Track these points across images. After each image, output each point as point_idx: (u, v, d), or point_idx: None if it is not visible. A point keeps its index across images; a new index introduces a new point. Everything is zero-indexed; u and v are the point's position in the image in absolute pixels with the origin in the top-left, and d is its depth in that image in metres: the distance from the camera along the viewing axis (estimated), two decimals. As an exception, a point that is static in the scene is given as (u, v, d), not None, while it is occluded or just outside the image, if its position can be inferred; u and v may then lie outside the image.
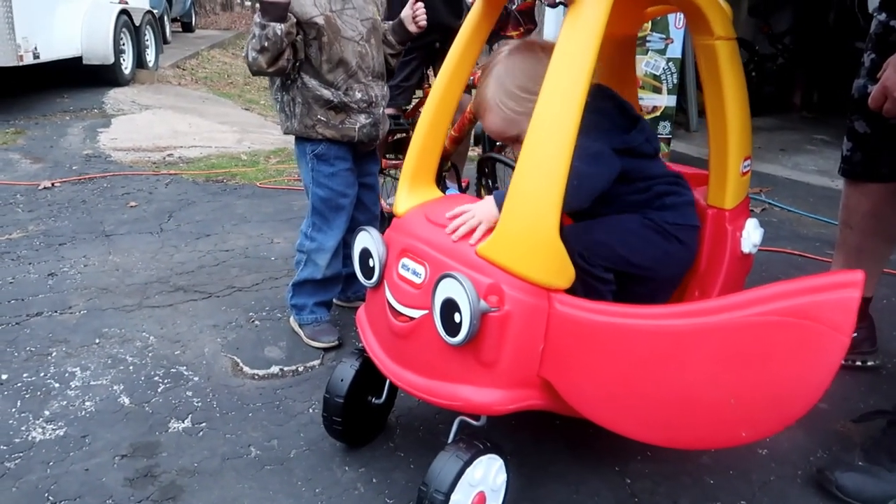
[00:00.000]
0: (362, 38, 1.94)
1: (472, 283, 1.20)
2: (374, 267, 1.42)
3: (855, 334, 1.92)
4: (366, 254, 1.44)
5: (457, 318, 1.20)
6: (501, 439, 1.58)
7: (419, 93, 2.96)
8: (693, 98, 4.81)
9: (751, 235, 1.56)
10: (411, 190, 1.51)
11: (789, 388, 1.26)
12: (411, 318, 1.32)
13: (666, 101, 3.90)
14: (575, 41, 1.20)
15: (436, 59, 2.84)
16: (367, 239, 1.43)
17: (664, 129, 3.95)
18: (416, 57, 2.78)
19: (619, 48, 1.74)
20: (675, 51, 3.83)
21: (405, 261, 1.36)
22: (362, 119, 1.96)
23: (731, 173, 1.54)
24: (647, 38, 3.79)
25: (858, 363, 1.95)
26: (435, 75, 2.85)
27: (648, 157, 1.51)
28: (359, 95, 1.94)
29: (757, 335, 1.21)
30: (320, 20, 1.85)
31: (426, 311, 1.28)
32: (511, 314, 1.21)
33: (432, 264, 1.31)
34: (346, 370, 1.52)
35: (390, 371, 1.38)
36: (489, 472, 1.30)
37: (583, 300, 1.27)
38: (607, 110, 1.47)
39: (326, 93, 1.91)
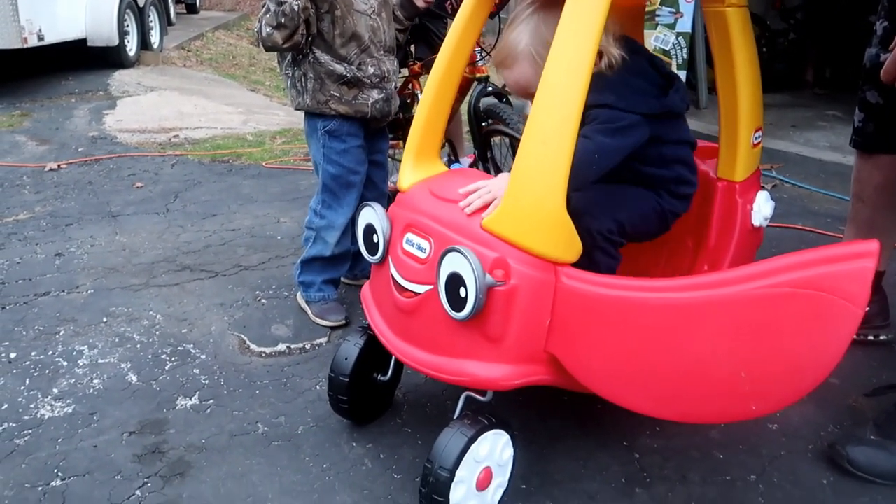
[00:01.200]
0: (374, 11, 1.91)
1: (478, 257, 1.18)
2: (378, 243, 1.40)
3: (867, 308, 1.91)
4: (370, 229, 1.42)
5: (462, 292, 1.19)
6: (509, 415, 1.58)
7: (405, 71, 2.91)
8: (703, 74, 4.74)
9: (762, 208, 1.54)
10: (415, 165, 1.49)
11: (801, 361, 1.25)
12: (416, 294, 1.31)
13: (675, 76, 3.85)
14: (581, 11, 1.17)
15: (420, 37, 2.80)
16: (371, 214, 1.42)
17: (673, 105, 3.89)
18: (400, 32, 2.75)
19: (626, 19, 1.71)
20: (684, 25, 3.77)
21: (409, 236, 1.34)
22: (375, 94, 1.94)
23: (742, 145, 1.51)
24: (657, 13, 3.73)
25: (871, 337, 1.93)
26: (416, 53, 2.82)
27: (679, 117, 1.48)
28: (371, 70, 1.92)
29: (769, 307, 1.19)
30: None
31: (431, 287, 1.27)
32: (517, 288, 1.19)
33: (437, 239, 1.29)
34: (350, 348, 1.51)
35: (395, 347, 1.37)
36: (495, 448, 1.29)
37: (590, 274, 1.25)
38: (644, 70, 1.41)
39: (339, 68, 1.88)
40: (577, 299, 1.23)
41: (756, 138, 1.54)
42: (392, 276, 1.37)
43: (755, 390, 1.25)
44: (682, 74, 3.87)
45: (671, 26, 3.75)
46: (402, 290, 1.34)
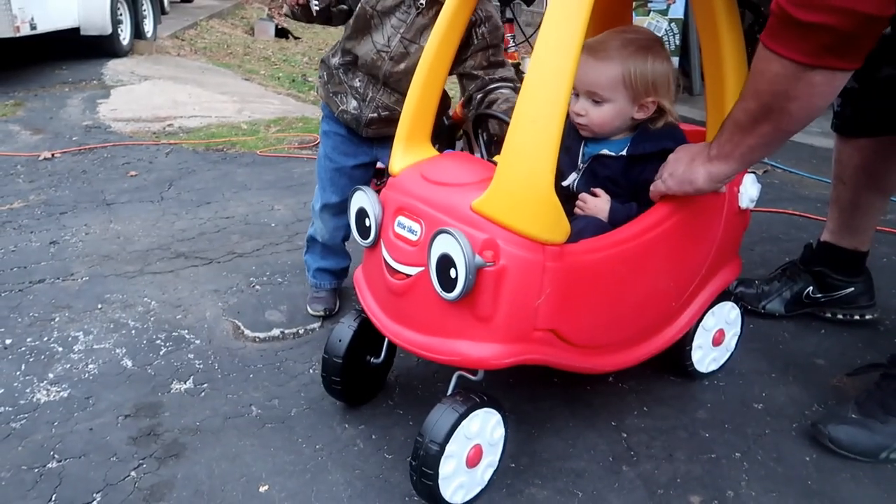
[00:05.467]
0: (388, 54, 1.75)
1: (468, 238, 1.20)
2: (370, 226, 1.42)
3: (852, 289, 1.94)
4: (362, 213, 1.44)
5: (452, 273, 1.21)
6: (499, 395, 1.60)
7: None
8: (696, 60, 4.74)
9: (748, 190, 1.55)
10: (406, 149, 1.50)
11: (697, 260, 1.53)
12: (408, 276, 1.33)
13: (668, 63, 3.86)
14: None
15: None
16: (362, 198, 1.43)
17: (666, 91, 3.90)
18: None
19: (615, 3, 1.72)
20: (677, 11, 3.77)
21: (401, 219, 1.36)
22: (352, 106, 1.85)
23: None
24: (650, -1, 3.74)
25: (856, 317, 1.96)
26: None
27: None
28: (357, 84, 1.84)
29: (693, 218, 1.45)
30: (350, 4, 1.79)
31: (422, 268, 1.29)
32: (506, 268, 1.21)
33: (428, 221, 1.31)
34: (344, 330, 1.53)
35: (388, 329, 1.39)
36: (486, 426, 1.32)
37: (574, 245, 1.29)
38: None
39: (334, 60, 1.88)
40: (567, 274, 1.26)
41: None
42: (384, 259, 1.39)
43: (676, 291, 1.52)
44: (675, 60, 3.87)
45: (664, 12, 3.75)
46: (394, 272, 1.36)
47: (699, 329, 1.63)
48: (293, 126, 4.39)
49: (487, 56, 1.73)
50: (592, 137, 1.52)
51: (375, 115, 1.83)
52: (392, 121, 1.94)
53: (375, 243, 1.42)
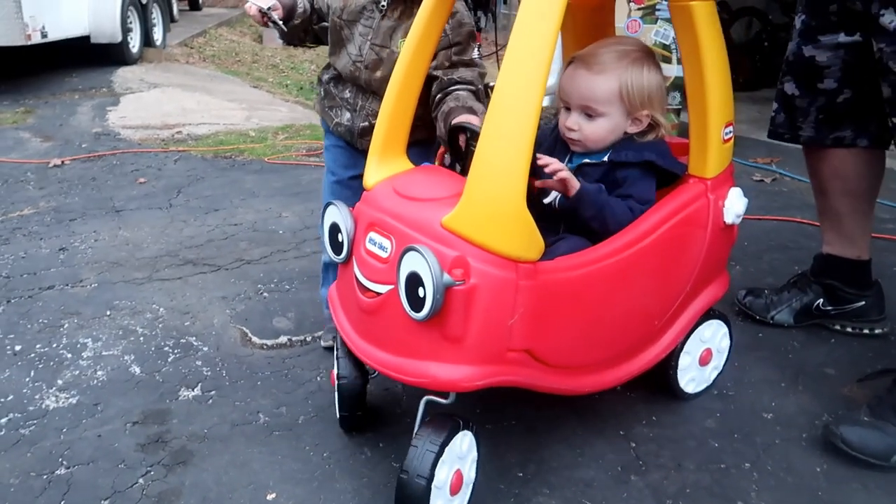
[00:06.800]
0: (364, 63, 1.74)
1: (437, 255, 1.15)
2: (343, 242, 1.37)
3: (863, 302, 1.92)
4: (335, 228, 1.39)
5: (421, 292, 1.16)
6: (505, 404, 1.60)
7: None
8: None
9: (734, 205, 1.50)
10: (381, 162, 1.45)
11: (680, 278, 1.49)
12: (378, 294, 1.28)
13: (676, 70, 3.84)
14: (540, 5, 1.15)
15: None
16: (335, 213, 1.39)
17: (673, 99, 3.89)
18: None
19: (597, 9, 1.68)
20: (684, 19, 3.77)
21: (372, 235, 1.31)
22: (346, 116, 1.84)
23: (713, 141, 1.45)
24: (657, 7, 3.73)
25: (866, 331, 1.94)
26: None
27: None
28: (347, 95, 1.84)
29: (671, 242, 1.43)
30: (327, 20, 1.81)
31: (392, 286, 1.24)
32: (477, 287, 1.17)
33: (398, 238, 1.26)
34: (352, 385, 1.50)
35: (359, 349, 1.34)
36: (461, 447, 1.29)
37: (548, 262, 1.25)
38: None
39: (325, 74, 1.90)
40: (541, 292, 1.23)
41: (727, 133, 1.49)
42: (355, 276, 1.34)
43: (658, 310, 1.48)
44: (682, 69, 3.86)
45: (671, 20, 3.75)
46: (365, 290, 1.31)
47: (685, 348, 1.59)
48: (301, 133, 4.41)
49: (450, 55, 1.67)
50: (582, 153, 1.49)
51: (367, 123, 1.81)
52: None
53: (348, 259, 1.38)
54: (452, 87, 1.64)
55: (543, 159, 1.33)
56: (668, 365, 1.58)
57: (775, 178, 3.38)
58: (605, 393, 1.68)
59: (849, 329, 1.95)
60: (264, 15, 1.74)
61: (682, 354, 1.59)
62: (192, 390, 1.73)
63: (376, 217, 1.32)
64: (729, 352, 1.71)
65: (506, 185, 1.16)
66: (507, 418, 1.61)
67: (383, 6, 1.70)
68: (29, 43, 5.31)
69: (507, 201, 1.16)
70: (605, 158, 1.47)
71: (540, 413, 1.63)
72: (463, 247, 1.18)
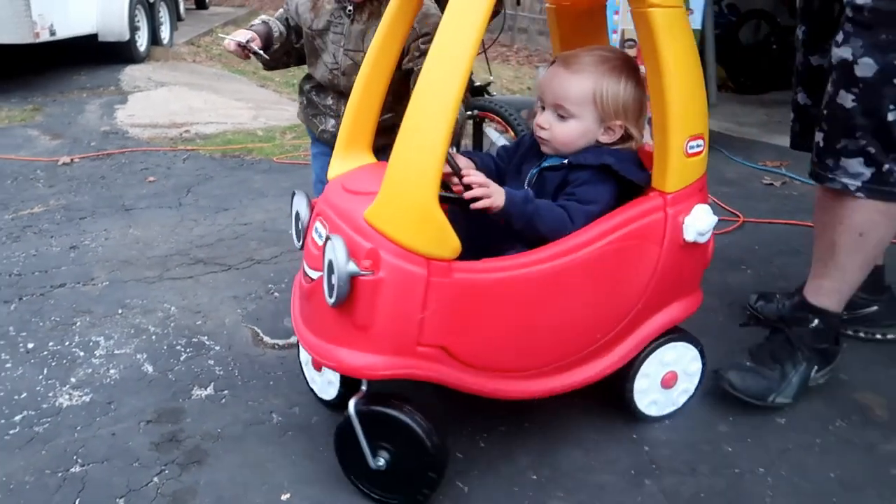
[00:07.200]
0: (338, 69, 1.80)
1: (353, 246, 1.22)
2: (301, 230, 1.47)
3: (875, 308, 1.92)
4: (297, 217, 1.49)
5: (333, 279, 1.22)
6: (518, 406, 1.60)
7: None
8: (713, 71, 4.73)
9: (696, 223, 1.41)
10: (345, 158, 1.51)
11: (627, 290, 1.44)
12: (312, 280, 1.36)
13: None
14: (465, 6, 1.16)
15: None
16: (297, 202, 1.48)
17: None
18: None
19: (585, 15, 1.63)
20: (695, 22, 3.76)
21: (317, 224, 1.39)
22: (331, 123, 1.87)
23: (673, 154, 1.37)
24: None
25: (878, 336, 1.94)
26: None
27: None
28: (329, 102, 1.87)
29: (611, 259, 1.38)
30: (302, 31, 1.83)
31: (321, 273, 1.30)
32: (384, 280, 1.21)
33: (330, 227, 1.34)
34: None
35: (298, 330, 1.42)
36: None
37: (464, 263, 1.26)
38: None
39: (306, 85, 1.91)
40: (456, 291, 1.25)
41: (693, 147, 1.40)
42: (303, 263, 1.43)
43: (601, 324, 1.44)
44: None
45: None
46: (305, 275, 1.40)
47: (643, 367, 1.52)
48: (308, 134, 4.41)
49: (419, 45, 1.69)
50: (551, 155, 1.47)
51: None
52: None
53: (303, 247, 1.46)
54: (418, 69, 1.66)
55: (468, 177, 1.31)
56: (623, 386, 1.54)
57: (785, 182, 3.38)
58: (612, 396, 1.67)
59: (861, 334, 1.95)
60: (244, 48, 1.77)
61: (638, 377, 1.53)
62: (205, 389, 1.73)
63: (321, 208, 1.40)
64: (701, 375, 1.63)
65: (416, 185, 1.19)
66: (521, 421, 1.61)
67: (350, 11, 1.71)
68: (37, 41, 5.33)
69: (417, 200, 1.19)
70: (565, 161, 1.44)
71: (551, 415, 1.62)
72: (378, 240, 1.22)
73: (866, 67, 1.46)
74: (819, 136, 1.59)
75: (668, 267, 1.44)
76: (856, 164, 1.53)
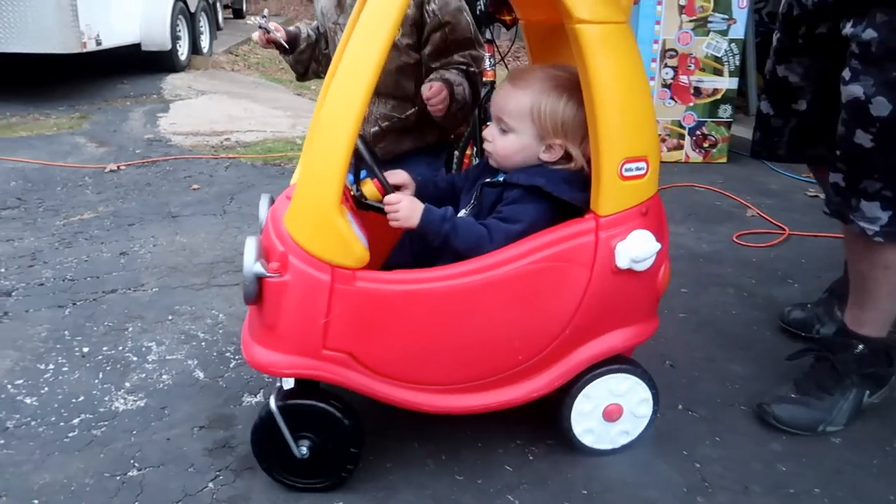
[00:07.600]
0: None
1: (269, 249, 1.29)
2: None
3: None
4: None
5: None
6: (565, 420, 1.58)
7: None
8: (753, 80, 4.68)
9: (630, 249, 1.33)
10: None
11: (552, 313, 1.39)
12: None
13: (727, 83, 3.81)
14: (376, 14, 1.19)
15: None
16: (261, 205, 1.54)
17: (725, 112, 3.86)
18: None
19: (560, 28, 1.45)
20: (737, 31, 3.73)
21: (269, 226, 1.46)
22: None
23: (606, 176, 1.32)
24: (709, 19, 3.70)
25: None
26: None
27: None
28: None
29: (531, 279, 1.34)
30: (322, 28, 1.85)
31: None
32: (288, 283, 1.27)
33: (263, 231, 1.40)
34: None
35: (244, 327, 1.48)
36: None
37: (371, 273, 1.30)
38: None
39: None
40: (360, 300, 1.29)
41: (630, 170, 1.33)
42: None
43: (522, 346, 1.39)
44: (734, 81, 3.82)
45: (724, 33, 3.71)
46: None
47: (586, 391, 1.46)
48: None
49: (444, 36, 1.65)
50: (497, 169, 1.47)
51: (377, 128, 1.81)
52: (395, 132, 1.93)
53: None
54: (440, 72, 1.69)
55: (390, 196, 1.36)
56: (560, 408, 1.48)
57: (816, 195, 3.31)
58: (665, 410, 1.66)
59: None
60: (266, 32, 1.78)
61: (579, 396, 1.46)
62: (255, 397, 1.76)
63: (270, 212, 1.46)
64: (649, 422, 1.53)
65: (317, 195, 1.25)
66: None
67: None
68: (84, 51, 5.48)
69: (319, 209, 1.25)
70: (501, 178, 1.44)
71: (601, 430, 1.62)
72: (290, 244, 1.27)
73: (881, 107, 1.43)
74: (837, 177, 1.55)
75: (601, 293, 1.36)
76: (874, 209, 1.50)
